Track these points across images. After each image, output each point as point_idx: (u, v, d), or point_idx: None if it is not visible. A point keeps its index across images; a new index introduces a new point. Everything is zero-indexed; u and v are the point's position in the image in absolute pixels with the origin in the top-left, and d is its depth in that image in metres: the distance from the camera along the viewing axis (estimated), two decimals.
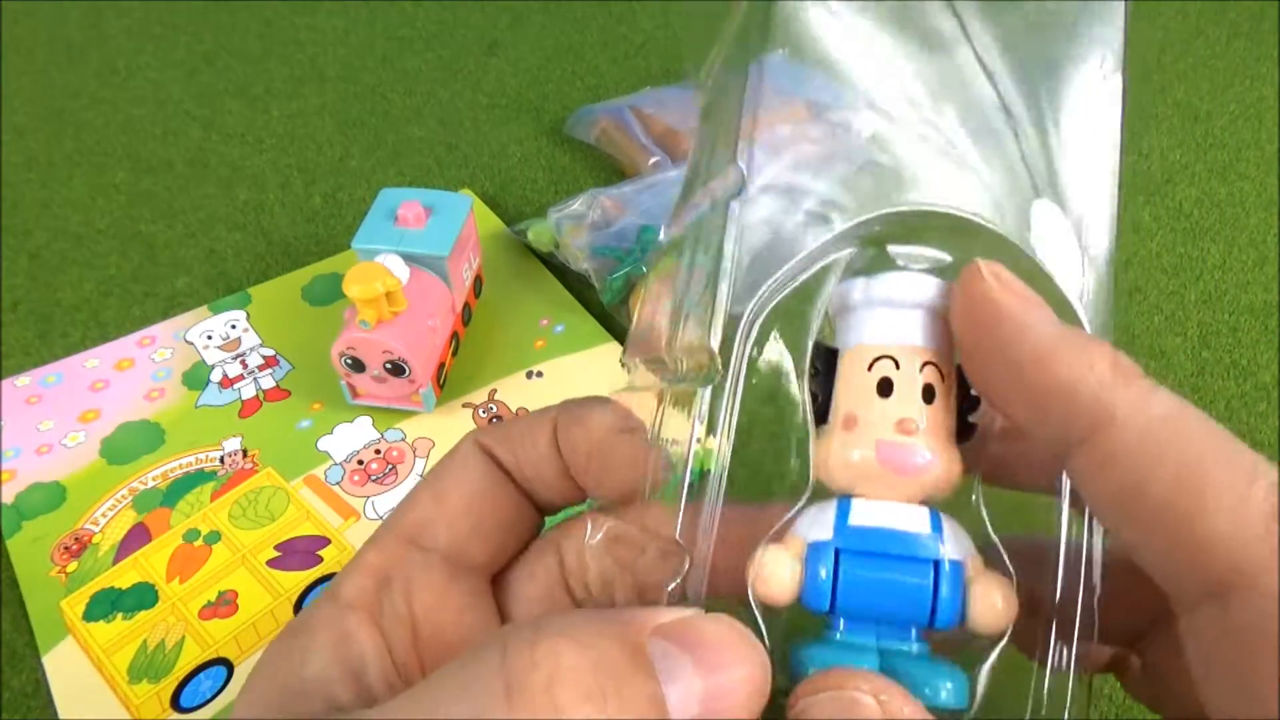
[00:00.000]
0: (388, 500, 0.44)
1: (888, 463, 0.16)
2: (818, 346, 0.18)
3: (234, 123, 0.67)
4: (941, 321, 0.17)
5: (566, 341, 0.51)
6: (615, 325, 0.51)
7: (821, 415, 0.18)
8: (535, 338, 0.51)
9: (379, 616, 0.19)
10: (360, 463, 0.45)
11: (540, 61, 0.73)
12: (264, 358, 0.51)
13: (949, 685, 0.16)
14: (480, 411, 0.48)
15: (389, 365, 0.45)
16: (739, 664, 0.15)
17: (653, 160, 0.59)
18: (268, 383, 0.49)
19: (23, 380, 0.49)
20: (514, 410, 0.47)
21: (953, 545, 0.16)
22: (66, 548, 0.42)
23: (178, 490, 0.44)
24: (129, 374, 0.50)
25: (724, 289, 0.19)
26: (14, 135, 0.66)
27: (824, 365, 0.18)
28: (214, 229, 0.59)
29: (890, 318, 0.18)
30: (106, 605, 0.40)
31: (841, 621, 0.17)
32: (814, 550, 0.17)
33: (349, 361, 0.45)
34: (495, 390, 0.49)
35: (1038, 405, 0.16)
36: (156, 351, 0.51)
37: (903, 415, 0.17)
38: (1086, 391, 0.15)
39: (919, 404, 0.17)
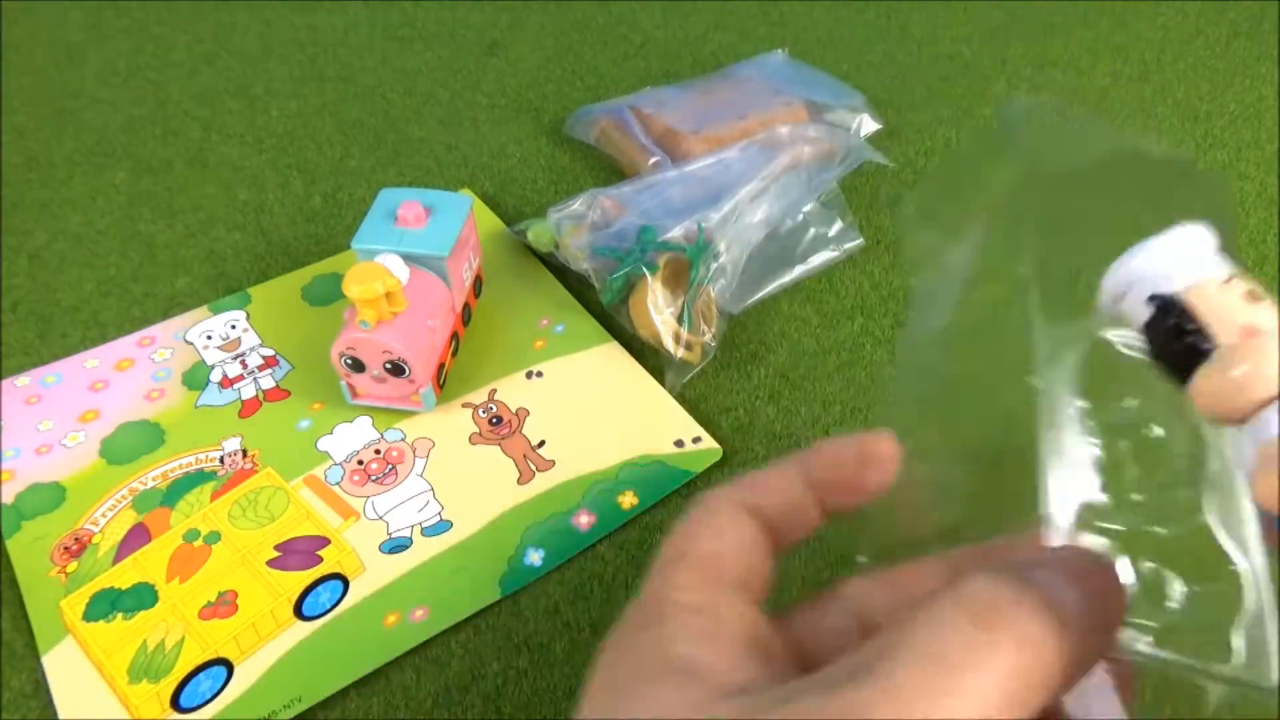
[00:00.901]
0: (387, 500, 0.44)
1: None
2: (1163, 300, 0.19)
3: (234, 123, 0.67)
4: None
5: (566, 341, 0.51)
6: (615, 325, 0.51)
7: (1190, 357, 0.18)
8: (535, 338, 0.51)
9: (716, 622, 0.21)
10: (360, 463, 0.45)
11: (540, 61, 0.73)
12: (264, 358, 0.51)
13: None
14: (480, 411, 0.48)
15: (389, 365, 0.45)
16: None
17: (653, 160, 0.59)
18: (268, 383, 0.49)
19: (23, 380, 0.50)
20: (514, 410, 0.47)
21: None
22: (66, 548, 0.42)
23: (178, 490, 0.44)
24: (129, 374, 0.50)
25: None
26: (14, 135, 0.66)
27: (1169, 310, 0.19)
28: (214, 229, 0.59)
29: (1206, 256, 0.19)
30: (106, 605, 0.40)
31: None
32: None
33: (349, 362, 0.45)
34: (495, 390, 0.49)
35: None
36: (156, 351, 0.51)
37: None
38: None
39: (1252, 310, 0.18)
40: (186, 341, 0.52)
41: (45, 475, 0.45)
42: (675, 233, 0.50)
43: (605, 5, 0.79)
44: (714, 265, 0.50)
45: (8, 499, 0.44)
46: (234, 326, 0.52)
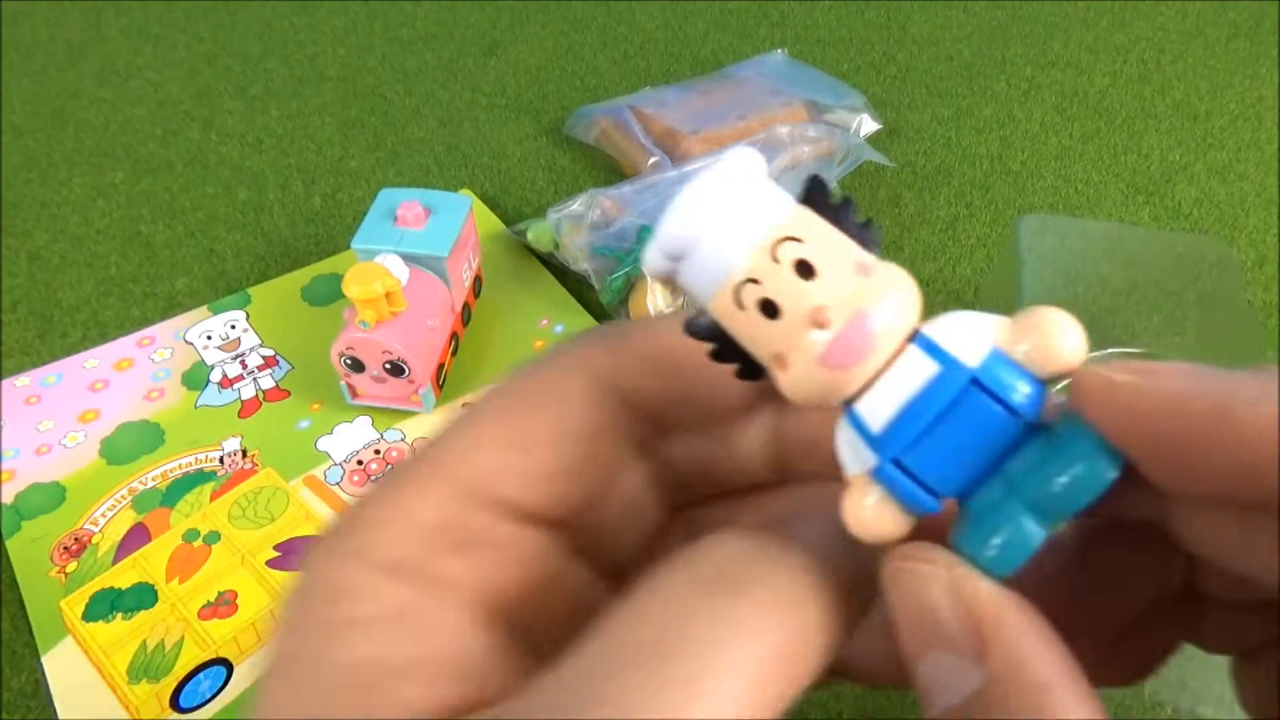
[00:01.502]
0: None
1: (843, 362, 0.14)
2: (692, 326, 0.15)
3: (234, 123, 0.67)
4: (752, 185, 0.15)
5: None
6: None
7: (753, 372, 0.15)
8: (535, 338, 0.51)
9: (441, 590, 0.15)
10: (360, 463, 0.45)
11: (540, 61, 0.73)
12: (263, 358, 0.51)
13: (1086, 464, 0.14)
14: None
15: (388, 365, 0.45)
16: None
17: (652, 160, 0.59)
18: (267, 383, 0.49)
19: (23, 380, 0.49)
20: None
21: (964, 344, 0.14)
22: (66, 548, 0.42)
23: (177, 490, 0.44)
24: (129, 374, 0.50)
25: None
26: (14, 135, 0.66)
27: (712, 335, 0.15)
28: (214, 229, 0.59)
29: (712, 242, 0.14)
30: (106, 605, 0.40)
31: (962, 494, 0.15)
32: (881, 477, 0.15)
33: (348, 362, 0.45)
34: None
35: None
36: (156, 351, 0.51)
37: (814, 305, 0.14)
38: None
39: (807, 290, 0.14)
40: (186, 341, 0.52)
41: (45, 475, 0.45)
42: None
43: (605, 5, 0.79)
44: None
45: (8, 499, 0.44)
46: (234, 326, 0.52)
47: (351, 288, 0.43)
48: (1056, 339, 0.14)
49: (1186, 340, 0.45)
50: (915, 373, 0.14)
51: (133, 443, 0.47)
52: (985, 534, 0.14)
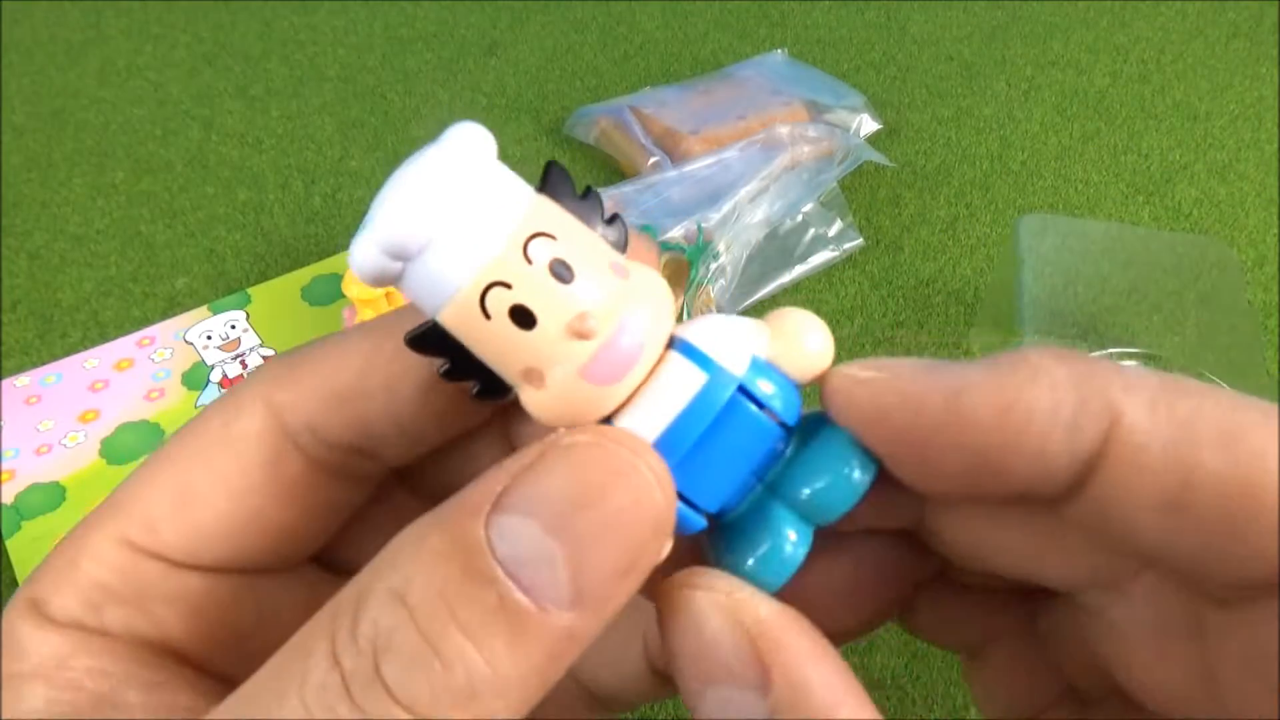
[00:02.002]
0: None
1: (608, 375, 0.13)
2: (418, 339, 0.13)
3: (234, 123, 0.68)
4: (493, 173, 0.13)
5: None
6: None
7: (495, 389, 0.13)
8: None
9: (108, 643, 0.14)
10: None
11: (540, 61, 0.73)
12: (264, 358, 0.51)
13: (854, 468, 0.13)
14: None
15: None
16: (602, 500, 0.11)
17: (652, 160, 0.59)
18: None
19: (23, 380, 0.49)
20: None
21: (726, 351, 0.13)
22: None
23: None
24: (129, 374, 0.50)
25: None
26: (14, 135, 0.66)
27: (443, 348, 0.13)
28: (214, 229, 0.59)
29: (452, 236, 0.12)
30: None
31: (726, 508, 0.14)
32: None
33: None
34: None
35: (1008, 465, 0.13)
36: (156, 351, 0.51)
37: (576, 312, 0.12)
38: (1066, 410, 0.12)
39: (566, 295, 0.12)
40: (186, 341, 0.52)
41: (45, 475, 0.45)
42: (675, 233, 0.50)
43: (605, 5, 0.79)
44: (714, 265, 0.50)
45: (8, 499, 0.44)
46: (234, 326, 0.52)
47: (351, 288, 0.43)
48: (801, 341, 0.14)
49: (1186, 340, 0.45)
50: (683, 384, 0.13)
51: (133, 443, 0.47)
52: (750, 548, 0.13)
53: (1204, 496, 0.12)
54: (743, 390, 0.13)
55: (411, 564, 0.11)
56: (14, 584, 0.41)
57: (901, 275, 0.55)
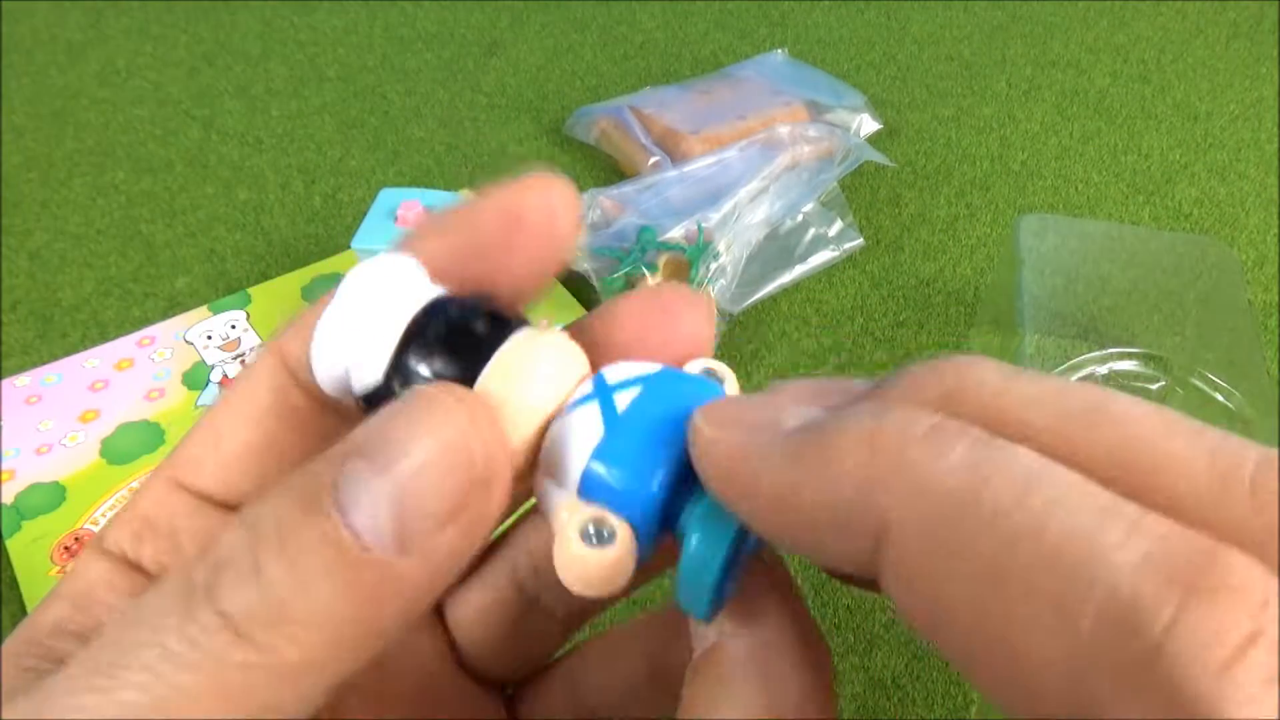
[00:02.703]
0: None
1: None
2: (370, 399, 0.14)
3: (234, 123, 0.68)
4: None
5: None
6: None
7: None
8: None
9: (136, 578, 0.15)
10: None
11: (540, 61, 0.73)
12: None
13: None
14: None
15: None
16: (423, 437, 0.12)
17: (653, 160, 0.59)
18: None
19: (23, 380, 0.49)
20: None
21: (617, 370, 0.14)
22: (66, 548, 0.42)
23: None
24: (129, 374, 0.50)
25: None
26: (14, 135, 0.66)
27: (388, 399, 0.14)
28: (214, 229, 0.59)
29: (399, 309, 0.14)
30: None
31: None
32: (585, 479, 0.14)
33: None
34: None
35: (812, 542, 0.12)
36: (156, 351, 0.51)
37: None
38: (842, 502, 0.11)
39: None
40: (186, 341, 0.52)
41: (45, 475, 0.45)
42: (675, 233, 0.50)
43: (605, 5, 0.79)
44: (714, 265, 0.50)
45: (8, 499, 0.44)
46: (234, 326, 0.52)
47: None
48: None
49: (1186, 340, 0.45)
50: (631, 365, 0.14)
51: (133, 442, 0.47)
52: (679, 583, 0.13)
53: (952, 623, 0.11)
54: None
55: (271, 498, 0.12)
56: (14, 584, 0.41)
57: (901, 275, 0.55)
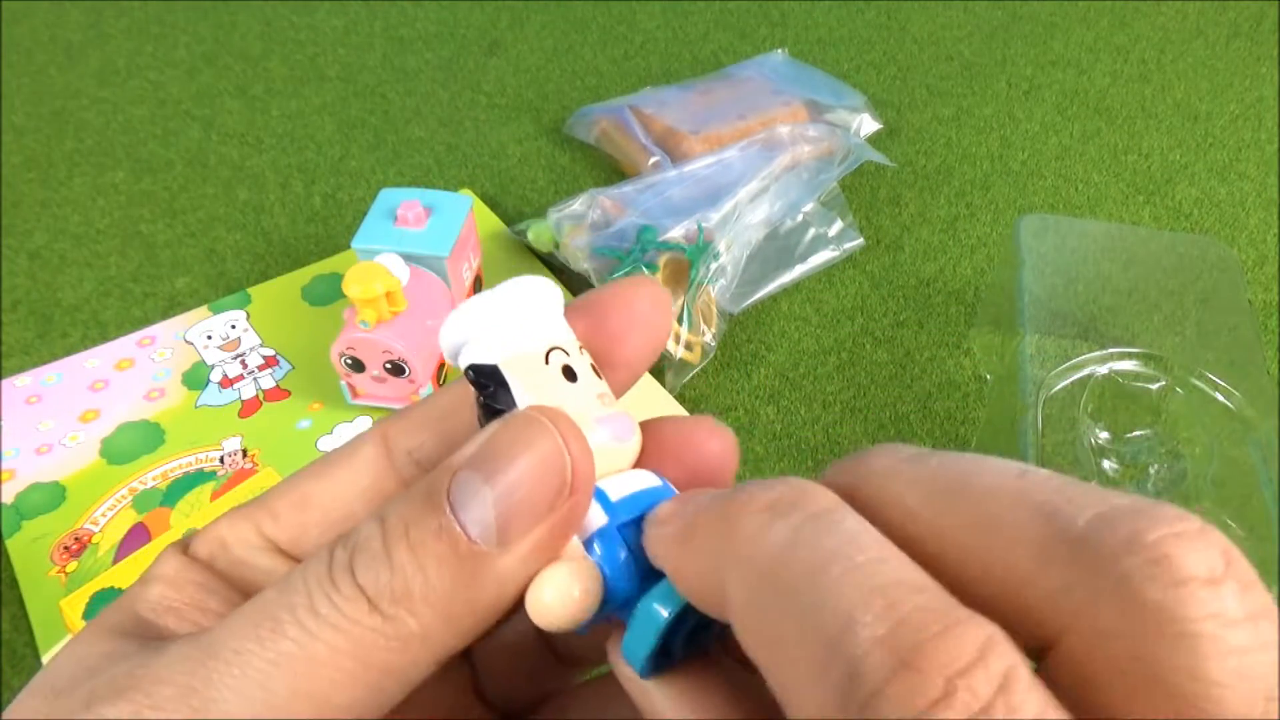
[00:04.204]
0: None
1: (618, 436, 0.16)
2: (477, 368, 0.17)
3: (234, 123, 0.67)
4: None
5: None
6: None
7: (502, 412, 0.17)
8: None
9: (210, 575, 0.17)
10: None
11: (540, 61, 0.73)
12: (264, 358, 0.51)
13: None
14: None
15: (389, 365, 0.45)
16: (523, 453, 0.14)
17: (653, 160, 0.59)
18: (267, 383, 0.49)
19: (23, 380, 0.49)
20: None
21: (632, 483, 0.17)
22: (66, 548, 0.42)
23: (177, 490, 0.44)
24: (129, 374, 0.50)
25: None
26: (14, 135, 0.66)
27: (492, 380, 0.17)
28: (214, 229, 0.59)
29: (536, 318, 0.17)
30: (106, 605, 0.40)
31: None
32: (601, 538, 0.16)
33: (349, 361, 0.45)
34: None
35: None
36: (156, 351, 0.51)
37: (598, 391, 0.17)
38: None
39: (595, 378, 0.17)
40: (186, 341, 0.52)
41: (45, 475, 0.45)
42: (675, 233, 0.50)
43: (605, 5, 0.79)
44: (714, 265, 0.50)
45: (8, 499, 0.44)
46: (234, 326, 0.52)
47: (352, 287, 0.43)
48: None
49: (1186, 340, 0.45)
50: (644, 477, 0.17)
51: (133, 442, 0.46)
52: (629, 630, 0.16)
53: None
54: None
55: (399, 499, 0.15)
56: (14, 584, 0.41)
57: (901, 275, 0.55)
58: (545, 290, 0.17)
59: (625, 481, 0.16)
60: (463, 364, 0.17)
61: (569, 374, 0.16)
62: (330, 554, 0.14)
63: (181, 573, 0.17)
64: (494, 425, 0.15)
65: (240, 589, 0.17)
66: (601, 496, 0.16)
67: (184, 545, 0.18)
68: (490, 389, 0.17)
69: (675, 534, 0.15)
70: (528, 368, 0.16)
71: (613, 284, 0.18)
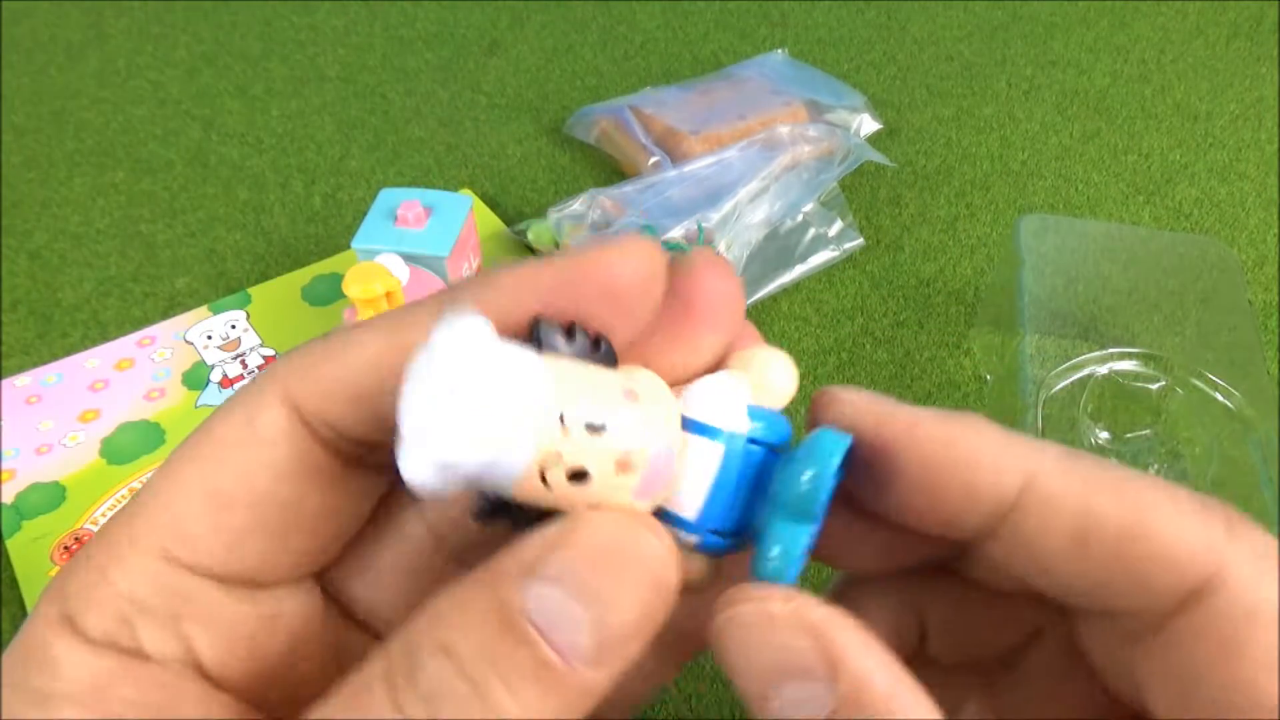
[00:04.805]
0: None
1: (656, 491, 0.15)
2: (488, 516, 0.14)
3: (234, 123, 0.68)
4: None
5: None
6: None
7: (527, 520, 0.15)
8: None
9: (147, 670, 0.14)
10: None
11: (540, 61, 0.73)
12: (264, 358, 0.51)
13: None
14: None
15: None
16: (621, 583, 0.13)
17: (653, 160, 0.59)
18: None
19: (23, 380, 0.49)
20: None
21: (726, 414, 0.15)
22: (66, 548, 0.42)
23: None
24: (129, 374, 0.50)
25: None
26: (14, 135, 0.66)
27: (506, 511, 0.14)
28: (214, 229, 0.59)
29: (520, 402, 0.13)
30: None
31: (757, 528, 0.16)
32: (704, 548, 0.16)
33: None
34: None
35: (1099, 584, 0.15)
36: (156, 351, 0.51)
37: (617, 459, 0.14)
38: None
39: (605, 445, 0.14)
40: (186, 341, 0.52)
41: (45, 475, 0.45)
42: (675, 233, 0.50)
43: (605, 5, 0.79)
44: None
45: (8, 499, 0.44)
46: (234, 326, 0.52)
47: (352, 288, 0.43)
48: (772, 381, 0.16)
49: (1186, 340, 0.45)
50: (707, 461, 0.15)
51: (133, 442, 0.47)
52: (763, 551, 0.15)
53: (1102, 535, 0.14)
54: (752, 440, 0.16)
55: (459, 623, 0.13)
56: (14, 584, 0.41)
57: (901, 275, 0.55)
58: (507, 356, 0.13)
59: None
60: (449, 487, 0.13)
61: (593, 429, 0.14)
62: (395, 708, 0.12)
63: (105, 685, 0.13)
64: (569, 529, 0.13)
65: (184, 667, 0.14)
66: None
67: (69, 624, 0.14)
68: (515, 518, 0.14)
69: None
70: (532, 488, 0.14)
71: (590, 253, 0.15)
